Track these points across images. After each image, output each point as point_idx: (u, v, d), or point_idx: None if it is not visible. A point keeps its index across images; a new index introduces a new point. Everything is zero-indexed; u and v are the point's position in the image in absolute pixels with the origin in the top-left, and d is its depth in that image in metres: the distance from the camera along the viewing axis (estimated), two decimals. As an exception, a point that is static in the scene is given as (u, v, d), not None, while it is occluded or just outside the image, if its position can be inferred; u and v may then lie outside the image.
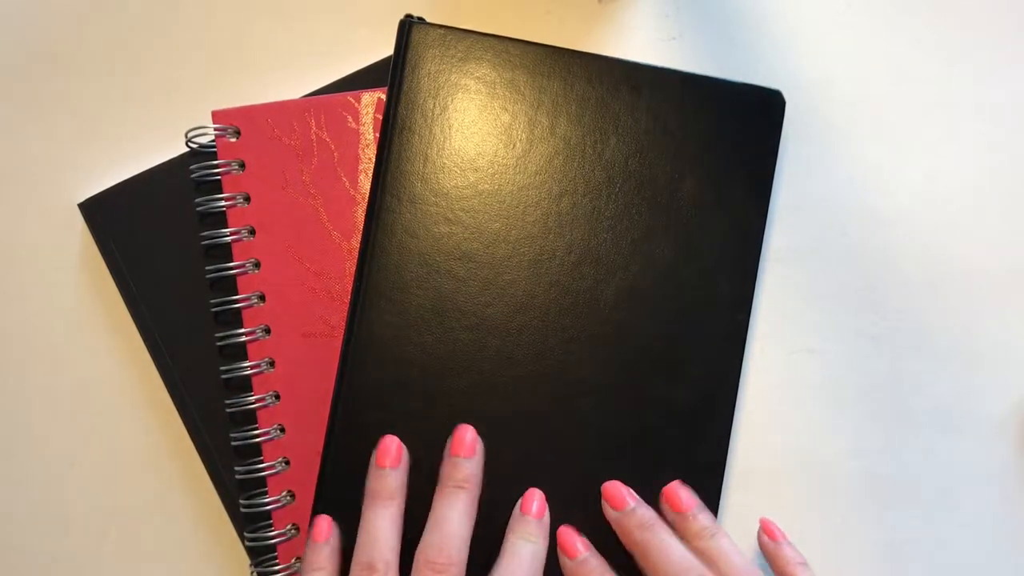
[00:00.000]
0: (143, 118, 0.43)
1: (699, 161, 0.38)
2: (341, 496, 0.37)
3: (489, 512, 0.37)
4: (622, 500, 0.37)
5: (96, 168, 0.43)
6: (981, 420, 0.41)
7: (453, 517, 0.35)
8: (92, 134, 0.43)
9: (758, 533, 0.39)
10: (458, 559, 0.34)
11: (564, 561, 0.37)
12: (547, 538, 0.36)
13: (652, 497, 0.37)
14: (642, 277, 0.38)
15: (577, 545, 0.36)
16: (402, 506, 0.36)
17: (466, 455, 0.36)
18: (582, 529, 0.37)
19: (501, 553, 0.36)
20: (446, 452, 0.37)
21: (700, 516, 0.37)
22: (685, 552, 0.35)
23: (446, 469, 0.36)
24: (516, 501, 0.37)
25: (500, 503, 0.37)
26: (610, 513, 0.37)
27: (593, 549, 0.37)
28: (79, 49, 0.43)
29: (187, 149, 0.41)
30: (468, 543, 0.35)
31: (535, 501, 0.37)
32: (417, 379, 0.37)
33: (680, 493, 0.37)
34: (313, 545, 0.36)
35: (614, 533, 0.37)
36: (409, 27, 0.38)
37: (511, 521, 0.36)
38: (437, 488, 0.36)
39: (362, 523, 0.35)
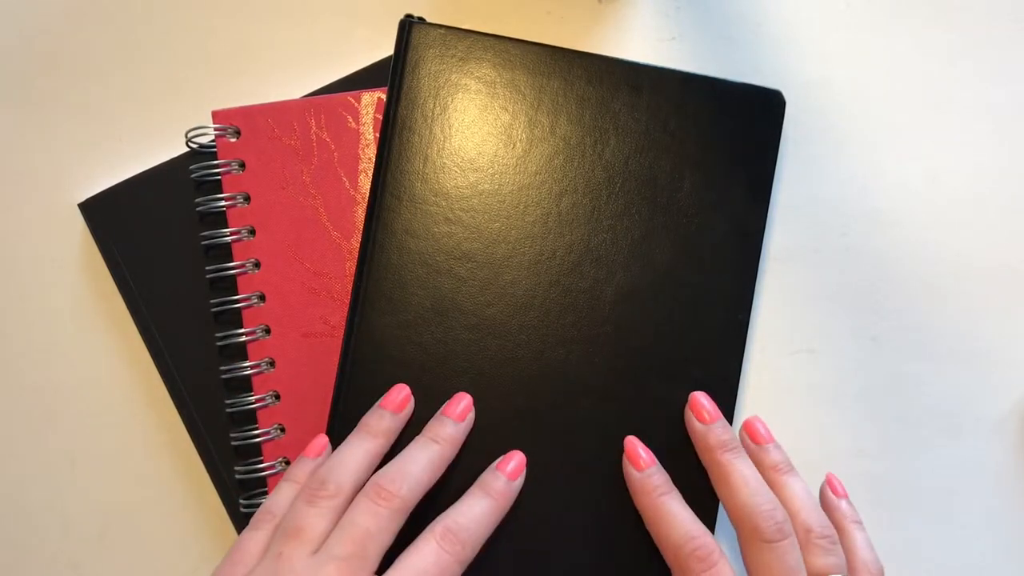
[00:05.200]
0: (143, 118, 0.43)
1: (699, 161, 0.38)
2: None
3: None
4: (710, 414, 0.37)
5: (96, 168, 0.43)
6: (981, 420, 0.41)
7: (420, 459, 0.35)
8: (92, 134, 0.43)
9: (822, 487, 0.39)
10: (408, 496, 0.33)
11: (631, 473, 0.37)
12: (511, 497, 0.36)
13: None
14: (642, 277, 0.38)
15: (643, 456, 0.37)
16: (384, 450, 0.35)
17: (454, 419, 0.36)
18: (582, 526, 0.37)
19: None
20: (438, 411, 0.37)
21: (775, 451, 0.37)
22: (762, 481, 0.36)
23: (431, 423, 0.36)
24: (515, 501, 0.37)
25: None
26: (696, 426, 0.37)
27: (659, 464, 0.37)
28: (79, 49, 0.43)
29: (187, 149, 0.41)
30: (424, 491, 0.34)
31: (512, 461, 0.36)
32: (417, 379, 0.37)
33: (758, 426, 0.37)
34: (301, 458, 0.36)
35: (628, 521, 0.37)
36: (409, 27, 0.38)
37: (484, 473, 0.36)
38: (416, 437, 0.36)
39: (339, 447, 0.35)
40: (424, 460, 0.35)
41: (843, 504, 0.38)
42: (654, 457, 0.37)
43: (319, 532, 0.32)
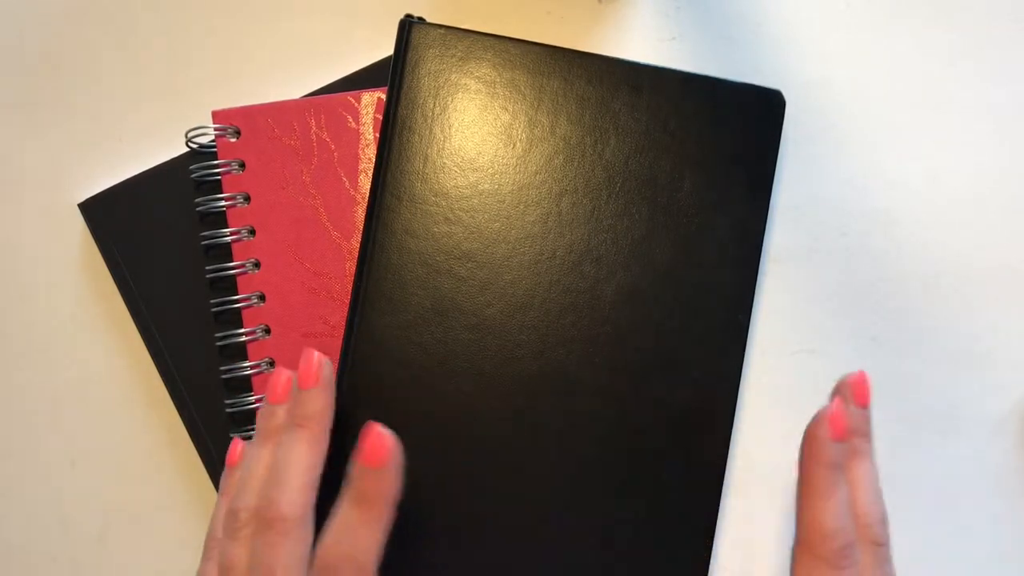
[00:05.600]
0: (143, 118, 0.43)
1: (699, 161, 0.38)
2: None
3: (486, 509, 0.37)
4: (845, 430, 0.34)
5: (96, 168, 0.43)
6: (981, 420, 0.41)
7: (291, 461, 0.32)
8: (92, 134, 0.43)
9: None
10: (291, 511, 0.31)
11: (823, 436, 0.33)
12: (390, 492, 0.32)
13: (652, 496, 0.37)
14: (642, 277, 0.38)
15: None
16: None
17: (312, 385, 0.34)
18: (582, 527, 0.37)
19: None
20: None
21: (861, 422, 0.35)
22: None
23: (290, 403, 0.34)
24: (514, 501, 0.37)
25: (498, 501, 0.37)
26: (821, 434, 0.33)
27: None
28: (79, 50, 0.43)
29: (187, 149, 0.41)
30: (312, 489, 0.32)
31: (367, 441, 0.32)
32: (417, 379, 0.37)
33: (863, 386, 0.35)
34: (226, 470, 0.36)
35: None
36: (409, 27, 0.38)
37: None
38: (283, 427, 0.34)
39: (242, 460, 0.35)
40: (294, 459, 0.32)
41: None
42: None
43: (246, 565, 0.32)
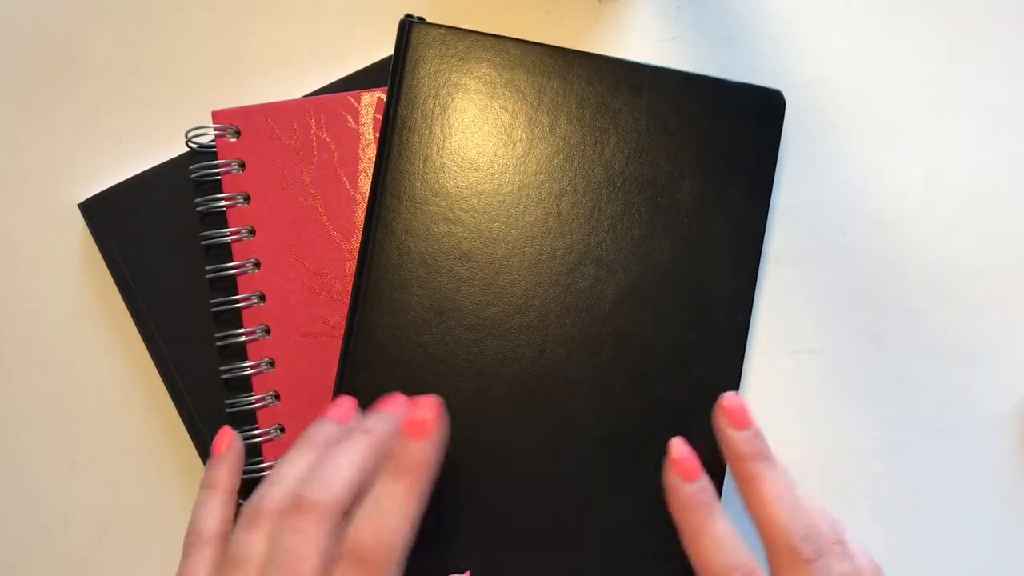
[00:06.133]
0: (143, 118, 0.43)
1: (699, 161, 0.38)
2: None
3: (486, 510, 0.37)
4: (743, 420, 0.34)
5: (96, 168, 0.43)
6: (981, 420, 0.41)
7: (343, 458, 0.31)
8: (92, 134, 0.43)
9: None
10: (328, 500, 0.30)
11: (676, 484, 0.34)
12: (430, 464, 0.32)
13: (652, 498, 0.37)
14: (642, 277, 0.38)
15: (694, 465, 0.34)
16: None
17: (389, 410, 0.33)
18: (583, 527, 0.37)
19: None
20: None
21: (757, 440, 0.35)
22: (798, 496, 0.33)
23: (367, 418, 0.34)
24: (515, 500, 0.37)
25: (499, 501, 0.37)
26: (728, 432, 0.34)
27: (707, 475, 0.34)
28: (79, 49, 0.43)
29: (187, 149, 0.41)
30: (352, 488, 0.31)
31: (416, 411, 0.32)
32: (417, 379, 0.37)
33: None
34: (209, 464, 0.36)
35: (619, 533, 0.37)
36: (409, 27, 0.38)
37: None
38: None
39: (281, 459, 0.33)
40: (345, 458, 0.31)
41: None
42: (701, 466, 0.34)
43: (263, 556, 0.30)
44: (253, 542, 0.30)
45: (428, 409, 0.32)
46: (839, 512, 0.40)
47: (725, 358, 0.38)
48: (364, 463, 0.31)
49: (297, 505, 0.30)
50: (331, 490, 0.30)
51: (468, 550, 0.37)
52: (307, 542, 0.29)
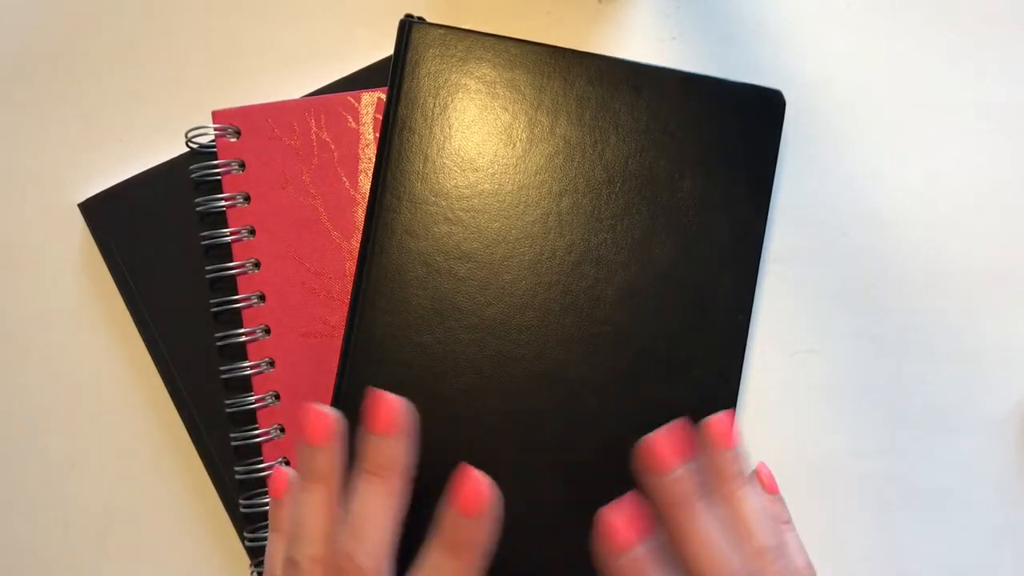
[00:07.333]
0: (143, 118, 0.43)
1: (699, 161, 0.38)
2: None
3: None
4: (677, 456, 0.31)
5: (96, 168, 0.43)
6: (981, 420, 0.41)
7: (372, 506, 0.31)
8: (92, 134, 0.43)
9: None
10: (370, 564, 0.30)
11: (650, 479, 0.31)
12: (485, 542, 0.31)
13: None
14: (642, 277, 0.38)
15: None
16: (337, 488, 0.33)
17: (387, 433, 0.32)
18: (582, 528, 0.37)
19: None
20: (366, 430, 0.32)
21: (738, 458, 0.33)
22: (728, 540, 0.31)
23: (367, 451, 0.32)
24: (514, 501, 0.37)
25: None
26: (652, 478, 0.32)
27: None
28: (79, 49, 0.43)
29: (187, 149, 0.41)
30: (392, 539, 0.31)
31: (465, 489, 0.31)
32: (417, 379, 0.37)
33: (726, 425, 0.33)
34: (273, 501, 0.35)
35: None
36: (409, 27, 0.38)
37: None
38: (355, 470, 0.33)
39: (297, 504, 0.33)
40: (372, 511, 0.31)
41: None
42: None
43: None
44: None
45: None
46: (839, 512, 0.41)
47: (725, 358, 0.38)
48: (392, 513, 0.31)
49: (337, 571, 0.30)
50: (371, 555, 0.30)
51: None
52: None
